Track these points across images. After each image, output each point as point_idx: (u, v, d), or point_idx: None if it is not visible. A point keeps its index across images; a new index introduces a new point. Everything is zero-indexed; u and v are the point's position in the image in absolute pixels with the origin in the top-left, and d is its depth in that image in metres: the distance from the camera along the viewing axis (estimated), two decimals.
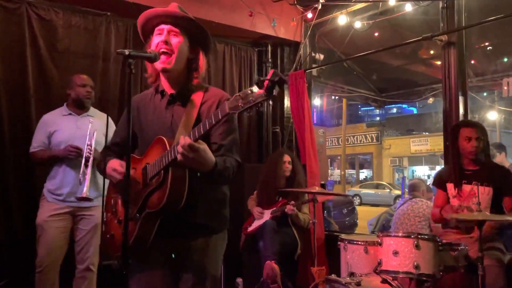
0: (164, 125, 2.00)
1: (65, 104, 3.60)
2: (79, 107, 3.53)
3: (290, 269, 4.24)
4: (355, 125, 30.24)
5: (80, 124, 3.47)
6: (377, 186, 23.53)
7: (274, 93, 1.48)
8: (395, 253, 2.71)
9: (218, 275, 2.04)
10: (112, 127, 3.12)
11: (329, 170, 30.96)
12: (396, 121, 29.78)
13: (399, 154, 27.33)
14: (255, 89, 1.49)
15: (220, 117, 1.58)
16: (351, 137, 28.98)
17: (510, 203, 3.09)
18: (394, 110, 32.19)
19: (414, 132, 27.22)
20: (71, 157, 3.29)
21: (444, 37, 3.96)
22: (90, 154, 3.27)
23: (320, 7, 4.82)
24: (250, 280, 4.42)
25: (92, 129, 3.37)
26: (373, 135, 28.72)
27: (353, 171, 30.97)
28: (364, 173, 31.27)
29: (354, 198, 21.74)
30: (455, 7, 3.96)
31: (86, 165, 3.24)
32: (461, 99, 3.91)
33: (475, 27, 4.08)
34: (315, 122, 5.79)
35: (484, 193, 3.15)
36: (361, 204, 21.83)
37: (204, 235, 2.00)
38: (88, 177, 3.17)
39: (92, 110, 3.63)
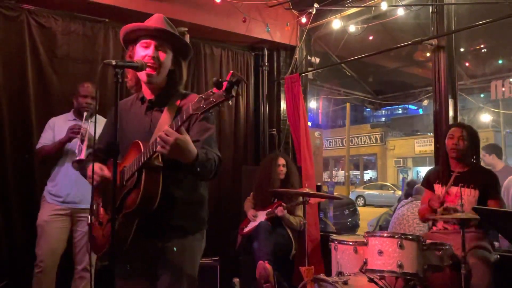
0: (143, 130, 2.09)
1: (72, 110, 3.71)
2: (80, 116, 3.62)
3: (286, 269, 4.33)
4: (359, 126, 30.24)
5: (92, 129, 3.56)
6: (381, 187, 23.55)
7: (233, 93, 1.56)
8: (380, 252, 2.79)
9: (195, 275, 2.10)
10: None
11: (333, 171, 30.96)
12: (401, 121, 29.75)
13: (404, 154, 27.28)
14: (215, 90, 1.58)
15: (184, 118, 1.69)
16: (355, 138, 28.97)
17: (494, 206, 3.15)
18: (400, 111, 32.16)
19: (418, 133, 27.16)
20: (74, 136, 3.37)
21: (434, 41, 4.03)
22: (86, 133, 3.35)
23: (314, 11, 4.90)
24: (247, 280, 4.51)
25: (88, 124, 3.47)
26: (377, 136, 28.70)
27: (357, 172, 30.95)
28: (368, 174, 31.25)
29: (358, 199, 21.79)
30: (444, 11, 4.03)
31: (82, 141, 3.35)
32: (450, 101, 3.98)
33: (466, 30, 4.13)
34: (311, 124, 5.87)
35: (470, 195, 3.22)
36: (365, 205, 21.84)
37: (179, 236, 2.06)
38: (84, 150, 3.24)
39: (97, 118, 3.69)
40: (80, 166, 2.97)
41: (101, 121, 3.69)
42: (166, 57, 2.08)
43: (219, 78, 1.57)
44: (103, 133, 2.36)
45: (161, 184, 1.90)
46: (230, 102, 1.59)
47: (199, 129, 2.00)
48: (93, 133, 3.26)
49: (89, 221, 2.09)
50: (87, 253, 3.50)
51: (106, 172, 2.04)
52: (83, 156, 3.20)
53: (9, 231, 3.82)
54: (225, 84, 1.55)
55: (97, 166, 2.05)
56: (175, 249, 2.04)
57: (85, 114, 3.54)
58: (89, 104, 3.56)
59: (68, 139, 3.42)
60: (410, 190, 4.90)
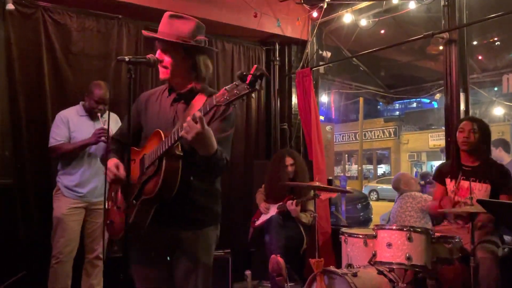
0: (166, 121, 2.13)
1: (80, 103, 3.77)
2: (91, 114, 3.69)
3: (297, 263, 4.38)
4: (373, 120, 30.01)
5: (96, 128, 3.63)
6: None
7: (256, 87, 1.59)
8: (389, 245, 2.82)
9: (210, 263, 2.16)
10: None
11: (347, 166, 30.85)
12: (414, 115, 29.46)
13: (417, 149, 27.05)
14: (239, 83, 1.61)
15: (208, 108, 1.73)
16: (369, 132, 28.80)
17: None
18: (414, 105, 31.86)
19: (433, 127, 26.90)
20: (102, 140, 3.47)
21: (446, 35, 4.02)
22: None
23: (325, 6, 4.91)
24: (259, 272, 4.57)
25: (104, 121, 3.58)
26: (391, 130, 28.49)
27: (370, 166, 30.79)
28: (382, 168, 31.07)
29: (371, 194, 21.70)
30: (456, 4, 4.01)
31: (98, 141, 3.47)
32: (462, 95, 3.98)
33: (478, 23, 4.11)
34: (323, 119, 5.89)
35: (482, 189, 3.22)
36: (378, 199, 21.75)
37: (195, 228, 2.12)
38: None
39: (110, 115, 3.72)
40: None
41: (113, 118, 3.78)
42: (174, 59, 2.10)
43: (243, 72, 1.61)
44: (127, 118, 2.35)
45: (180, 173, 1.94)
46: (253, 95, 1.63)
47: (217, 127, 2.01)
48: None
49: (105, 207, 2.16)
50: (100, 244, 3.58)
51: (121, 171, 2.08)
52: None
53: (27, 224, 3.92)
54: (249, 77, 1.58)
55: (113, 163, 2.12)
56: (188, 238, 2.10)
57: (99, 115, 3.64)
58: (101, 110, 3.63)
59: (96, 142, 3.51)
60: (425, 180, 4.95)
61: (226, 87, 1.66)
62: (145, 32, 2.17)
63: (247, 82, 1.59)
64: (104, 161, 2.22)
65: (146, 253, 2.13)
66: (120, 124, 3.35)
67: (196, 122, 1.73)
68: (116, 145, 2.32)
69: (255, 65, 1.61)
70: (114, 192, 2.25)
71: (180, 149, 1.96)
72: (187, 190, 2.04)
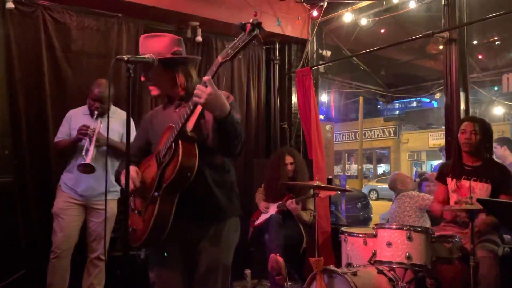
0: (173, 123, 2.14)
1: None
2: (93, 114, 3.66)
3: (297, 262, 4.38)
4: (372, 119, 30.00)
5: (103, 128, 3.58)
6: None
7: (256, 33, 1.69)
8: (389, 244, 2.83)
9: (229, 264, 2.21)
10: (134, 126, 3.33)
11: (346, 165, 30.84)
12: (414, 115, 29.44)
13: (417, 148, 27.03)
14: (239, 36, 1.72)
15: (215, 69, 1.82)
16: (369, 131, 28.78)
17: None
18: (414, 104, 31.84)
19: (433, 126, 26.89)
20: (82, 136, 3.43)
21: (446, 34, 4.01)
22: (93, 134, 3.41)
23: (325, 5, 4.90)
24: (258, 271, 4.57)
25: (99, 124, 3.51)
26: (390, 129, 28.47)
27: (370, 166, 30.79)
28: (382, 168, 31.06)
29: (371, 193, 21.69)
30: (456, 4, 4.01)
31: (90, 141, 3.41)
32: (462, 94, 3.97)
33: (478, 23, 4.11)
34: (323, 118, 5.88)
35: (483, 189, 3.22)
36: (378, 198, 21.74)
37: (218, 219, 2.18)
38: (91, 152, 3.33)
39: (112, 110, 3.71)
40: (86, 170, 3.23)
41: (120, 115, 3.74)
42: (155, 75, 2.17)
43: (242, 22, 1.71)
44: (135, 140, 2.44)
45: (197, 155, 1.99)
46: (255, 41, 1.71)
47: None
48: (104, 133, 3.39)
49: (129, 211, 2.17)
50: (101, 243, 3.58)
51: (137, 179, 2.14)
52: (88, 160, 3.30)
53: (26, 222, 3.92)
54: (248, 26, 1.69)
55: (134, 170, 2.15)
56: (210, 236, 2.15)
57: (95, 113, 3.58)
58: (97, 108, 3.58)
59: (78, 139, 3.49)
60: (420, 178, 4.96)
61: (228, 44, 1.77)
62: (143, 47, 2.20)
63: (246, 31, 1.69)
64: (116, 173, 2.27)
65: (166, 253, 2.17)
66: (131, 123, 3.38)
67: (206, 86, 1.82)
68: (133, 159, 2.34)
69: (255, 13, 1.69)
70: (133, 198, 2.27)
71: (193, 133, 2.01)
72: (207, 181, 2.10)
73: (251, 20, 1.69)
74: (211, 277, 2.12)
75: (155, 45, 2.14)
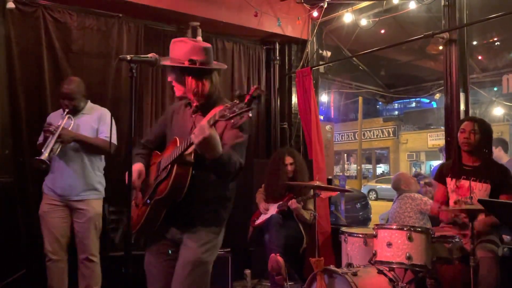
0: (185, 130, 2.33)
1: None
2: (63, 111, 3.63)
3: (297, 262, 4.38)
4: (372, 119, 30.02)
5: (74, 125, 3.57)
6: None
7: (252, 107, 1.79)
8: (389, 244, 2.83)
9: (206, 261, 2.28)
10: (106, 121, 3.50)
11: (346, 165, 30.85)
12: (414, 115, 29.47)
13: (416, 148, 27.06)
14: (238, 102, 1.81)
15: (212, 122, 1.93)
16: (368, 131, 28.80)
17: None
18: (413, 104, 31.87)
19: (432, 127, 26.92)
20: (46, 134, 3.41)
21: (446, 35, 4.02)
22: (55, 131, 3.37)
23: (326, 5, 4.91)
24: (258, 271, 4.58)
25: (64, 121, 3.48)
26: (390, 129, 28.49)
27: (369, 166, 30.81)
28: (381, 168, 31.08)
29: (370, 193, 21.70)
30: (456, 4, 4.01)
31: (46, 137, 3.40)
32: (462, 95, 3.98)
33: (479, 23, 4.12)
34: (322, 118, 5.89)
35: (482, 189, 3.21)
36: (377, 199, 21.76)
37: (199, 229, 2.28)
38: (48, 149, 3.31)
39: (88, 107, 3.68)
40: (41, 166, 3.27)
41: (97, 112, 3.66)
42: (174, 79, 2.34)
43: (242, 92, 1.76)
44: (154, 127, 2.60)
45: (189, 178, 2.14)
46: (250, 114, 1.80)
47: (230, 135, 2.22)
48: (71, 129, 3.42)
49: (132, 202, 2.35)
50: (87, 244, 3.53)
51: (135, 178, 2.33)
52: (43, 156, 3.28)
53: (27, 222, 3.92)
54: (247, 97, 1.79)
55: (137, 169, 2.35)
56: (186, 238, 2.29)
57: (65, 111, 3.55)
58: (67, 105, 3.55)
59: (45, 138, 3.44)
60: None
61: (227, 103, 1.87)
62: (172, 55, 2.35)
63: (245, 101, 1.79)
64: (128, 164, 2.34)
65: (156, 244, 2.38)
66: (106, 122, 3.52)
67: (204, 130, 1.93)
68: (144, 150, 2.56)
69: (255, 86, 1.82)
70: (135, 191, 2.43)
71: (192, 157, 2.16)
72: (196, 196, 2.23)
73: (251, 92, 1.78)
74: (186, 269, 2.23)
75: (176, 51, 2.29)
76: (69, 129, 3.47)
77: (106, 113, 3.69)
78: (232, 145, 2.17)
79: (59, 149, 3.40)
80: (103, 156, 3.71)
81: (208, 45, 2.33)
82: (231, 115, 1.81)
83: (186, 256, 2.25)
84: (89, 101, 3.71)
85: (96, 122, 3.60)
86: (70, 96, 3.53)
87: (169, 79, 2.39)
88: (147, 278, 2.41)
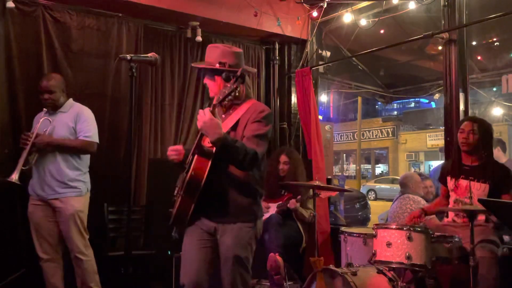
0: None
1: None
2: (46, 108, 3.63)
3: (296, 261, 4.38)
4: (371, 119, 30.05)
5: (53, 123, 3.56)
6: (393, 181, 23.35)
7: (236, 86, 2.12)
8: (389, 244, 2.84)
9: (244, 256, 2.45)
10: (90, 119, 3.50)
11: (345, 165, 30.88)
12: (413, 115, 29.52)
13: (416, 148, 27.10)
14: (228, 85, 2.15)
15: (211, 108, 2.21)
16: (367, 131, 28.83)
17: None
18: (412, 105, 31.92)
19: (431, 127, 26.96)
20: (22, 145, 3.41)
21: (445, 35, 4.02)
22: (28, 141, 3.37)
23: (325, 5, 4.91)
24: (257, 271, 4.56)
25: (44, 124, 3.50)
26: (389, 129, 28.52)
27: (368, 166, 30.84)
28: (380, 168, 31.11)
29: (369, 193, 21.73)
30: (456, 5, 4.01)
31: (24, 149, 3.39)
32: (461, 95, 3.98)
33: (478, 23, 4.12)
34: (322, 118, 5.89)
35: (480, 189, 3.22)
36: (376, 199, 21.80)
37: (230, 222, 2.45)
38: (20, 165, 3.32)
39: (67, 104, 3.65)
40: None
41: (75, 110, 3.62)
42: (207, 80, 2.55)
43: (228, 74, 2.20)
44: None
45: (207, 169, 2.31)
46: (237, 90, 2.14)
47: (251, 128, 2.42)
48: (44, 132, 3.40)
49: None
50: (71, 243, 3.51)
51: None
52: (14, 175, 3.27)
53: (26, 222, 3.88)
54: (233, 79, 2.13)
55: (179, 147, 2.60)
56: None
57: (44, 110, 3.55)
58: (47, 99, 3.54)
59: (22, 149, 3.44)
60: None
61: (222, 87, 2.20)
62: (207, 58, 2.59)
63: (232, 81, 2.13)
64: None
65: (192, 231, 2.55)
66: (84, 120, 3.54)
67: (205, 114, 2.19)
68: None
69: (240, 68, 2.13)
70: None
71: (210, 147, 2.31)
72: (225, 187, 2.43)
73: (238, 73, 2.15)
74: (226, 265, 2.43)
75: (210, 54, 2.52)
76: (46, 131, 3.46)
77: (83, 111, 3.65)
78: (250, 136, 2.37)
79: (35, 158, 3.43)
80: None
81: (239, 50, 2.56)
82: (222, 97, 2.12)
83: (224, 252, 2.43)
84: (71, 99, 3.68)
85: (72, 120, 3.56)
86: (48, 88, 3.52)
87: (204, 81, 2.57)
88: (181, 260, 2.55)
